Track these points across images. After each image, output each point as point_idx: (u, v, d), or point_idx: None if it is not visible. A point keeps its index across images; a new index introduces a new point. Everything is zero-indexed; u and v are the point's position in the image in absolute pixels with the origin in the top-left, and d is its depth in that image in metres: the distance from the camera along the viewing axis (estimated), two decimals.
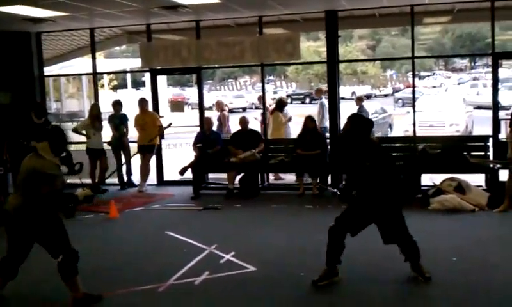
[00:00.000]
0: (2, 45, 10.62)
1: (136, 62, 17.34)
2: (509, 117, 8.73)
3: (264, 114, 10.97)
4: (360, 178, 5.15)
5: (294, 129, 11.29)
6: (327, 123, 10.62)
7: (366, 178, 5.07)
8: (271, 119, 11.15)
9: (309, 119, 9.83)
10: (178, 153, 11.17)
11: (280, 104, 11.52)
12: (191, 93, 28.85)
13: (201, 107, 10.93)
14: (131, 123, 10.71)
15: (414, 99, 10.37)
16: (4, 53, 10.70)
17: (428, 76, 42.18)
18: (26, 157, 4.88)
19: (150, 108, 10.78)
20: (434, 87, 36.44)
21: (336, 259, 5.21)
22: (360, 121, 5.21)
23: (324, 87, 13.32)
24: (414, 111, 10.12)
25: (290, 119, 11.55)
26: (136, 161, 10.64)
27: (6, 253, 4.92)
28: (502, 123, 9.62)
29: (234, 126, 11.35)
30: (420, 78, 35.83)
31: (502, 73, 10.88)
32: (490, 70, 10.41)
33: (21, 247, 4.89)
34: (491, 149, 9.38)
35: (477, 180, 9.08)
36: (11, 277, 5.01)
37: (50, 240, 4.84)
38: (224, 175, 10.20)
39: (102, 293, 5.14)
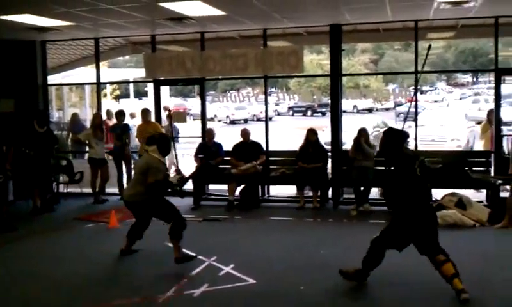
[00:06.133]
0: (8, 53, 10.66)
1: (139, 73, 17.38)
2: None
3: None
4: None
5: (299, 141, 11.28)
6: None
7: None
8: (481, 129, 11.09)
9: (311, 132, 9.82)
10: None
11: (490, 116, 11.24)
12: (193, 104, 28.93)
13: (203, 118, 10.95)
14: (133, 133, 10.73)
15: (416, 113, 10.37)
16: (9, 61, 10.75)
17: (430, 90, 42.26)
18: (140, 157, 6.54)
19: (153, 118, 10.80)
20: (436, 101, 36.52)
21: (370, 267, 5.42)
22: (394, 134, 5.42)
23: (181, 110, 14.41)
24: (416, 126, 10.12)
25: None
26: None
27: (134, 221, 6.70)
28: (504, 139, 9.64)
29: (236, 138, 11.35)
30: (422, 92, 35.90)
31: (505, 89, 10.84)
32: (493, 85, 10.43)
33: (141, 219, 6.64)
34: (492, 165, 9.38)
35: (478, 195, 9.06)
36: (138, 237, 6.72)
37: (161, 213, 6.35)
38: (224, 187, 10.20)
39: (195, 254, 6.43)
